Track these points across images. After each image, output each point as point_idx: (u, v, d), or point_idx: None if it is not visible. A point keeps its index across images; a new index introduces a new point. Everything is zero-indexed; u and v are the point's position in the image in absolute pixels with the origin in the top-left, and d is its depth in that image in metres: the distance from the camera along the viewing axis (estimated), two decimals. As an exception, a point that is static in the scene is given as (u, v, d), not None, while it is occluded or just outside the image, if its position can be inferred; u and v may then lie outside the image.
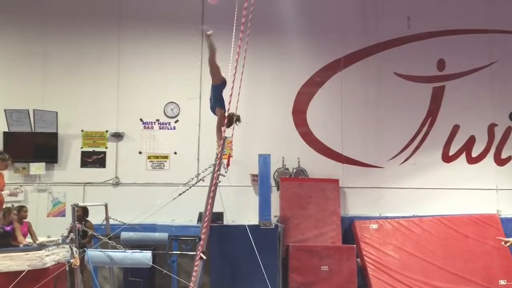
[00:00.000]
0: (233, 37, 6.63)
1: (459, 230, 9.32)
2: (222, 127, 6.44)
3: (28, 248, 6.85)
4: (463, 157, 10.24)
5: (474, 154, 10.25)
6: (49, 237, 8.41)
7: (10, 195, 7.34)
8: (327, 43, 10.26)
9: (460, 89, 10.30)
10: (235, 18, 6.14)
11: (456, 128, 10.26)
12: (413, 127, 10.22)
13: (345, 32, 10.29)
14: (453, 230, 9.32)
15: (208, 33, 6.39)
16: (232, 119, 6.71)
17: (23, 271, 6.16)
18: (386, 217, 9.60)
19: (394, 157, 10.14)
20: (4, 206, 7.44)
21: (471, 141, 10.27)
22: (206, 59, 9.74)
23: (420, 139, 10.20)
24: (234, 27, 6.10)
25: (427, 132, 10.23)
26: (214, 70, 6.67)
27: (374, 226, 9.34)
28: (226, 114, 6.64)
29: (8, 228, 7.35)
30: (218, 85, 6.77)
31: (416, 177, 10.06)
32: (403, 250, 9.11)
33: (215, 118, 9.03)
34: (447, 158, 10.24)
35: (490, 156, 10.26)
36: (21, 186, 7.86)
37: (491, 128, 10.31)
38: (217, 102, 6.86)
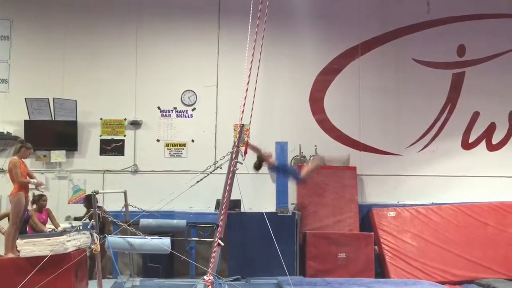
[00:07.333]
0: (250, 25, 6.59)
1: (479, 218, 9.23)
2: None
3: (49, 234, 6.99)
4: (483, 144, 10.12)
5: (495, 141, 10.12)
6: (70, 223, 8.56)
7: (36, 186, 7.43)
8: (344, 29, 10.17)
9: (481, 75, 10.14)
10: (251, 6, 6.09)
11: (476, 115, 10.12)
12: (432, 114, 10.11)
13: (363, 18, 10.19)
14: (473, 218, 9.23)
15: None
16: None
17: (45, 256, 6.27)
18: (404, 205, 9.54)
19: (412, 144, 10.05)
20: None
21: (491, 128, 10.12)
22: (222, 47, 9.96)
23: (439, 126, 10.09)
24: (251, 15, 6.06)
25: (446, 119, 10.11)
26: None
27: (392, 213, 9.29)
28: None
29: None
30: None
31: (435, 165, 9.97)
32: (421, 238, 9.05)
33: (231, 105, 9.28)
34: (466, 145, 10.12)
35: (511, 143, 10.11)
36: (43, 186, 7.91)
37: (512, 115, 10.16)
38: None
